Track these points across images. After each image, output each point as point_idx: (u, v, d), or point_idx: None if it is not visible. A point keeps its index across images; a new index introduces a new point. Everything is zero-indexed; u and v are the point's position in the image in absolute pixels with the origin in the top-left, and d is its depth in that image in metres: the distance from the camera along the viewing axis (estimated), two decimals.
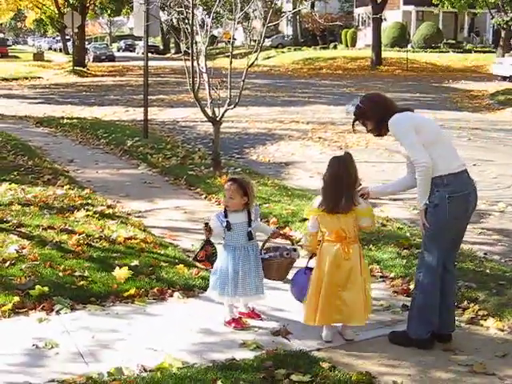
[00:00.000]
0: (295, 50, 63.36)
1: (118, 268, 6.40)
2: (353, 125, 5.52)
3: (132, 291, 6.08)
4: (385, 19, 46.59)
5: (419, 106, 24.12)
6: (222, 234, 5.49)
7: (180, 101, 25.08)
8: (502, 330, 5.60)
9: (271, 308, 5.94)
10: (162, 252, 7.23)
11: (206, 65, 11.57)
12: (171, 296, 6.16)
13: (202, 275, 6.53)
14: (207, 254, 5.43)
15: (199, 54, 11.62)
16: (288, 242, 6.13)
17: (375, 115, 5.30)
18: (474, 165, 12.65)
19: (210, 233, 5.43)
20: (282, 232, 6.00)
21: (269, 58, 58.78)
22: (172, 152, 13.73)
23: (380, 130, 5.34)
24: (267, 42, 70.36)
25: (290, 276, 5.88)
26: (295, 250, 5.91)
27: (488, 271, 6.84)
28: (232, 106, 11.59)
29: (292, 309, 5.91)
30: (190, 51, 11.27)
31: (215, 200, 9.98)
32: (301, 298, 5.50)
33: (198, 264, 6.84)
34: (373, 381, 4.69)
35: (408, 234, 8.10)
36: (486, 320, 5.76)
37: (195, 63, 11.41)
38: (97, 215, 8.60)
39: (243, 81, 11.57)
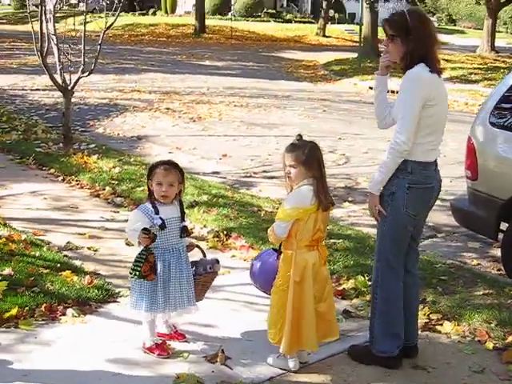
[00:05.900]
0: (112, 15, 60.69)
1: None
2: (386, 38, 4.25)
3: (14, 311, 4.72)
4: None
5: (258, 76, 23.55)
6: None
7: (1, 67, 22.73)
8: (464, 337, 4.86)
9: (193, 324, 4.82)
10: (38, 254, 5.82)
11: (54, 26, 10.07)
12: (63, 314, 4.84)
13: (96, 284, 5.29)
14: (151, 266, 4.20)
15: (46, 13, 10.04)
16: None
17: (413, 40, 4.06)
18: (340, 138, 12.00)
19: (154, 240, 4.22)
20: (197, 244, 4.82)
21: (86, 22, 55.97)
22: (10, 125, 11.98)
23: (400, 61, 4.16)
24: (82, 7, 67.28)
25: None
26: (218, 261, 4.81)
27: None
28: (86, 74, 10.21)
29: (219, 322, 4.87)
30: (38, 9, 9.69)
31: (76, 183, 8.63)
32: (268, 288, 4.40)
33: (91, 270, 5.65)
34: None
35: None
36: (442, 325, 5.00)
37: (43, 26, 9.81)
38: None
39: (100, 45, 10.22)
